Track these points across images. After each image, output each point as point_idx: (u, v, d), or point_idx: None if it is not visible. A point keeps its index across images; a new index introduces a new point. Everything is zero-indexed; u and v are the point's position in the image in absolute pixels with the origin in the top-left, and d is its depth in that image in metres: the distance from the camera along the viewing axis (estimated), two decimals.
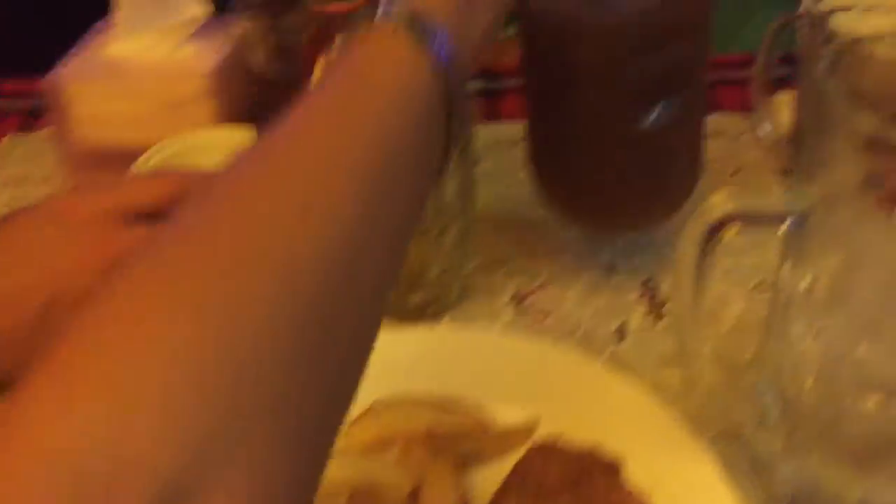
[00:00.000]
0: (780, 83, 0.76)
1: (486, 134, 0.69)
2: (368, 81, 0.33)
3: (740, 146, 0.73)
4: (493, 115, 0.78)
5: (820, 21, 0.61)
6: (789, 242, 0.38)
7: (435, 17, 0.35)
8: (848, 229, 0.36)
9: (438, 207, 0.53)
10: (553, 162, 0.60)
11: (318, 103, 0.32)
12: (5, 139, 0.79)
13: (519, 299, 0.60)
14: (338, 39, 0.38)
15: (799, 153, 0.66)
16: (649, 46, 0.53)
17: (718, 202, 0.37)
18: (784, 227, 0.37)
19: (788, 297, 0.40)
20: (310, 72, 0.59)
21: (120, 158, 0.68)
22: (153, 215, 0.55)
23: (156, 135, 0.67)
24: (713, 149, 0.73)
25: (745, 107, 0.77)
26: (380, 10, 0.35)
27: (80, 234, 0.52)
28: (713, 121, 0.76)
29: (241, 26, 0.66)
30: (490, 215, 0.66)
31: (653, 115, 0.55)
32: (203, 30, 0.72)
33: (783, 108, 0.71)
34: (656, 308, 0.58)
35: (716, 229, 0.37)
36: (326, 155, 0.31)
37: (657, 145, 0.56)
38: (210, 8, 0.72)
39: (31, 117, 0.82)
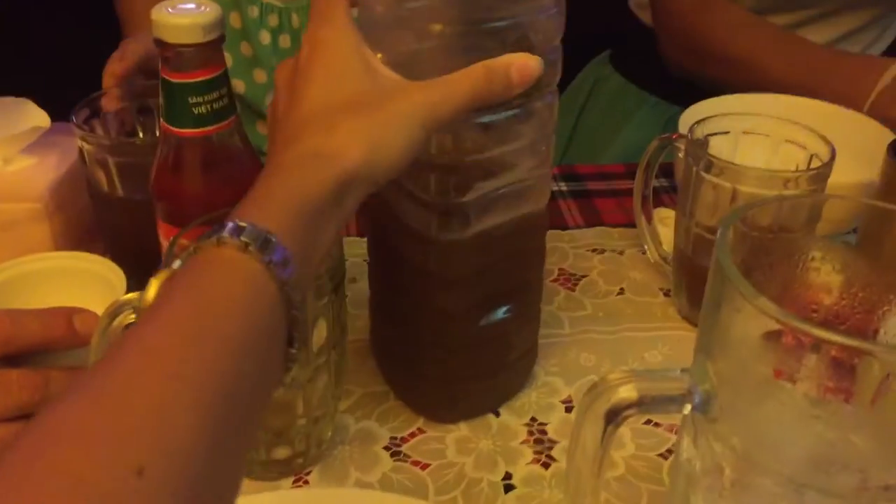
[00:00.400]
0: (658, 192, 0.75)
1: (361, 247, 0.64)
2: (214, 298, 0.33)
3: (624, 263, 0.71)
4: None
5: (698, 146, 0.60)
6: (693, 424, 0.35)
7: (281, 237, 0.35)
8: (749, 414, 0.33)
9: (306, 355, 0.47)
10: (393, 351, 0.57)
11: (163, 319, 0.32)
12: None
13: (395, 447, 0.54)
14: (183, 255, 0.35)
15: (678, 275, 0.65)
16: (497, 259, 0.51)
17: (620, 390, 0.33)
18: (687, 412, 0.34)
19: (690, 473, 0.36)
20: (154, 191, 0.53)
21: None
22: None
23: None
24: (597, 267, 0.71)
25: (627, 220, 0.76)
26: (227, 227, 0.35)
27: None
28: (596, 236, 0.74)
29: (81, 143, 0.59)
30: (362, 345, 0.61)
31: (493, 316, 0.53)
32: (42, 144, 0.65)
33: (665, 225, 0.70)
34: (545, 451, 0.54)
35: (615, 414, 0.33)
36: (168, 375, 0.30)
37: (493, 342, 0.54)
38: (48, 119, 0.65)
39: None
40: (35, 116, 0.65)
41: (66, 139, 0.66)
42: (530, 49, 0.44)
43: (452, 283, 0.50)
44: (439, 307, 0.51)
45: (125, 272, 0.58)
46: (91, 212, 0.64)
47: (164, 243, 0.54)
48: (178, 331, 0.32)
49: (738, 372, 0.33)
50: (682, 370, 0.34)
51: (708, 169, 0.58)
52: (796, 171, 0.59)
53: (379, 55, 0.46)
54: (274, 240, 0.35)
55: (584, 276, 0.70)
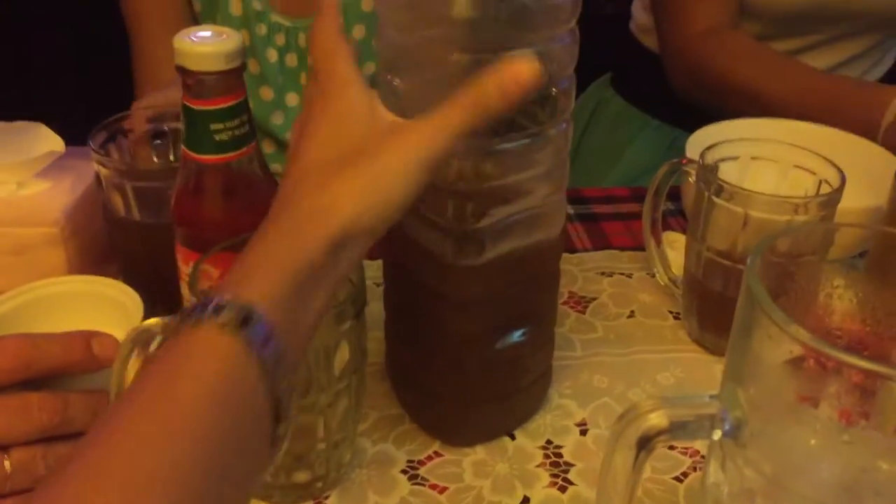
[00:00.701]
0: (665, 216, 0.76)
1: (376, 269, 0.65)
2: (187, 391, 0.33)
3: (633, 286, 0.72)
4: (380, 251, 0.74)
5: (709, 172, 0.60)
6: (722, 450, 0.35)
7: (266, 313, 0.35)
8: (779, 439, 0.33)
9: (327, 380, 0.48)
10: (409, 375, 0.58)
11: (133, 413, 0.33)
12: None
13: (412, 470, 0.54)
14: (162, 336, 0.36)
15: (688, 298, 0.66)
16: (512, 283, 0.51)
17: (651, 417, 0.33)
18: (717, 437, 0.34)
19: (716, 501, 0.37)
20: (175, 216, 0.53)
21: None
22: None
23: (1, 283, 0.59)
24: (607, 290, 0.71)
25: (634, 242, 0.76)
26: (208, 307, 0.34)
27: None
28: (605, 259, 0.75)
29: (98, 167, 0.60)
30: (377, 368, 0.61)
31: (508, 339, 0.53)
32: (57, 168, 0.65)
33: (674, 248, 0.71)
34: (561, 474, 0.54)
35: (646, 441, 0.34)
36: (133, 474, 0.31)
37: (507, 365, 0.54)
38: (62, 144, 0.65)
39: None
40: (49, 140, 0.65)
41: (80, 163, 0.66)
42: (548, 78, 0.45)
43: (467, 307, 0.51)
44: (454, 330, 0.51)
45: (140, 296, 0.59)
46: (105, 236, 0.64)
47: (183, 267, 0.54)
48: (145, 429, 0.32)
49: (768, 397, 0.33)
50: (711, 396, 0.35)
51: (719, 194, 0.59)
52: (806, 196, 0.60)
53: (397, 82, 0.47)
54: (256, 315, 0.35)
55: (594, 299, 0.70)
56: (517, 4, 0.44)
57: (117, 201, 0.60)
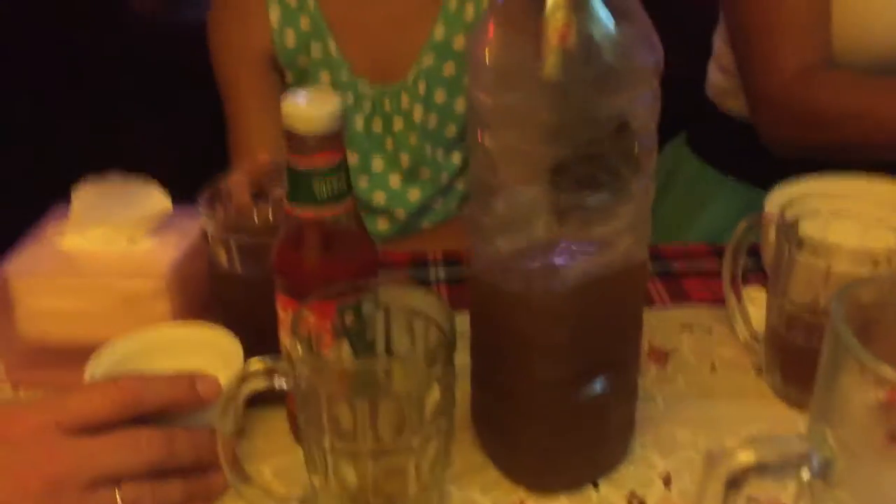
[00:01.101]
0: (747, 272, 0.77)
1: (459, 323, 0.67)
2: None
3: (713, 341, 0.73)
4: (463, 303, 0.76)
5: (790, 227, 0.61)
6: (811, 492, 0.36)
7: None
8: (870, 480, 0.34)
9: (419, 421, 0.50)
10: (493, 422, 0.59)
11: None
12: None
13: None
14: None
15: (770, 353, 0.66)
16: (596, 329, 0.53)
17: (740, 455, 0.35)
18: (805, 477, 0.35)
19: None
20: (276, 267, 0.57)
21: (66, 355, 0.65)
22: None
23: (107, 332, 0.63)
24: (686, 343, 0.72)
25: (713, 297, 0.77)
26: None
27: (19, 451, 0.48)
28: (684, 314, 0.76)
29: (203, 222, 0.64)
30: (463, 418, 0.63)
31: (592, 387, 0.54)
32: (163, 225, 0.70)
33: (754, 304, 0.71)
34: None
35: (735, 479, 0.35)
36: None
37: (592, 413, 0.56)
38: (170, 203, 0.70)
39: None
40: (159, 199, 0.70)
41: (184, 221, 0.71)
42: (629, 134, 0.48)
43: (552, 351, 0.52)
44: (539, 376, 0.53)
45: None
46: (207, 288, 0.68)
47: (283, 315, 0.58)
48: None
49: (857, 438, 0.34)
50: (799, 436, 0.36)
51: (800, 248, 0.60)
52: (889, 249, 0.60)
53: (487, 140, 0.50)
54: None
55: (673, 351, 0.71)
56: (603, 67, 0.47)
57: (221, 256, 0.64)
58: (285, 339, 0.58)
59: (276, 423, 0.63)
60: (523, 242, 0.51)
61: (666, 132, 1.29)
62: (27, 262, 0.67)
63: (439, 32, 0.99)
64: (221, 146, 1.05)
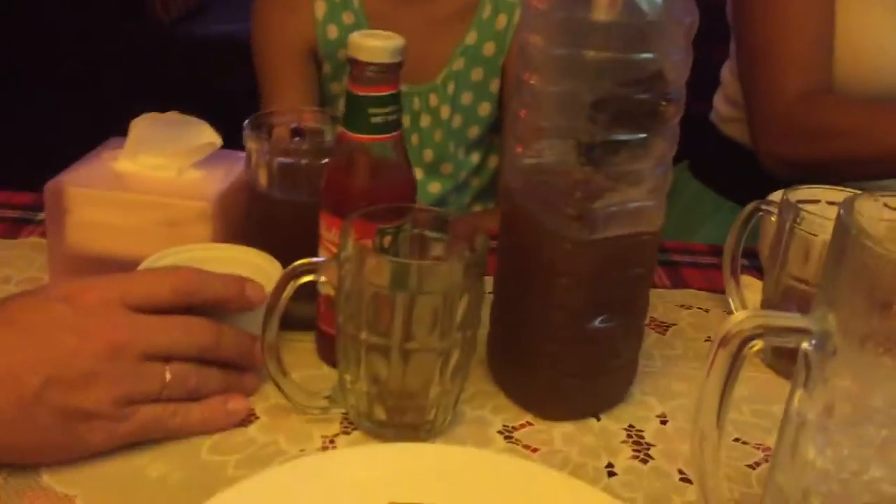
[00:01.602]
0: (743, 270, 0.82)
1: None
2: None
3: (710, 318, 0.78)
4: None
5: (791, 204, 0.67)
6: (806, 365, 0.41)
7: None
8: (863, 355, 0.39)
9: (449, 325, 0.55)
10: (507, 348, 0.64)
11: None
12: None
13: (507, 433, 0.60)
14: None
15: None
16: (615, 266, 0.59)
17: (745, 320, 0.40)
18: (805, 346, 0.40)
19: (801, 422, 0.42)
20: (326, 186, 0.62)
21: (109, 268, 0.69)
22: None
23: (149, 249, 0.67)
24: (685, 319, 0.78)
25: (710, 286, 0.83)
26: None
27: (88, 317, 0.52)
28: (683, 296, 0.81)
29: (251, 144, 0.69)
30: (477, 358, 0.67)
31: (601, 319, 0.59)
32: (210, 159, 0.75)
33: (749, 289, 0.77)
34: (643, 451, 0.60)
35: (742, 346, 0.40)
36: None
37: (601, 344, 0.61)
38: (219, 139, 0.75)
39: (16, 226, 0.82)
40: (209, 135, 0.75)
41: (230, 161, 0.76)
42: (662, 83, 0.54)
43: (577, 282, 0.58)
44: (560, 304, 0.58)
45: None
46: (247, 220, 0.73)
47: (325, 233, 0.63)
48: None
49: (852, 314, 0.39)
50: (802, 315, 0.41)
51: (799, 222, 0.66)
52: None
53: (534, 80, 0.56)
54: None
55: (673, 325, 0.76)
56: (644, 19, 0.53)
57: (262, 178, 0.69)
58: (326, 254, 0.63)
59: (302, 344, 0.67)
60: (559, 179, 0.57)
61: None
62: (82, 176, 0.72)
63: (471, 38, 1.05)
64: None
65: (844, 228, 0.39)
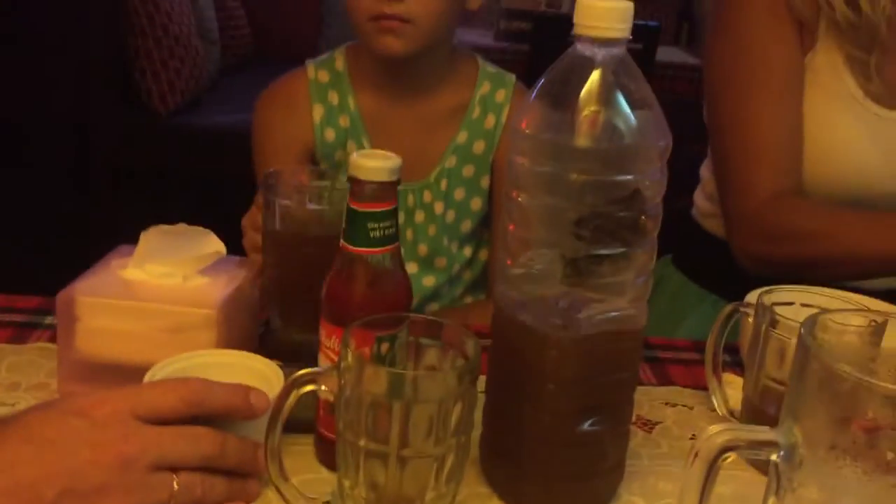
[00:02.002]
0: (725, 366, 0.85)
1: None
2: None
3: (694, 416, 0.81)
4: None
5: (766, 307, 0.71)
6: (776, 475, 0.44)
7: None
8: (827, 465, 0.42)
9: (444, 432, 0.57)
10: (499, 451, 0.67)
11: None
12: None
13: None
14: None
15: (746, 423, 0.74)
16: (600, 370, 0.62)
17: (718, 434, 0.43)
18: (773, 458, 0.43)
19: None
20: (326, 295, 0.65)
21: (117, 375, 0.72)
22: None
23: (156, 356, 0.70)
24: (670, 417, 0.80)
25: (694, 383, 0.86)
26: None
27: (101, 430, 0.55)
28: (668, 393, 0.84)
29: (246, 268, 0.73)
30: (471, 460, 0.70)
31: (590, 422, 0.63)
32: (215, 266, 0.79)
33: (731, 387, 0.80)
34: None
35: (715, 459, 0.43)
36: None
37: (589, 447, 0.64)
38: (223, 248, 0.79)
39: (23, 330, 0.85)
40: (214, 244, 0.79)
41: (233, 266, 0.80)
42: (640, 200, 0.58)
43: (563, 387, 0.61)
44: (550, 408, 0.61)
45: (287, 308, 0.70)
46: (249, 325, 0.76)
47: (325, 340, 0.66)
48: None
49: (815, 428, 0.42)
50: (769, 429, 0.44)
51: (774, 326, 0.70)
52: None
53: (522, 197, 0.60)
54: None
55: (659, 423, 0.79)
56: (622, 144, 0.58)
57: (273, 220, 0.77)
58: (321, 361, 0.66)
59: (302, 447, 0.70)
60: (546, 290, 0.61)
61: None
62: (92, 285, 0.75)
63: (462, 137, 1.11)
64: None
65: (805, 347, 0.43)
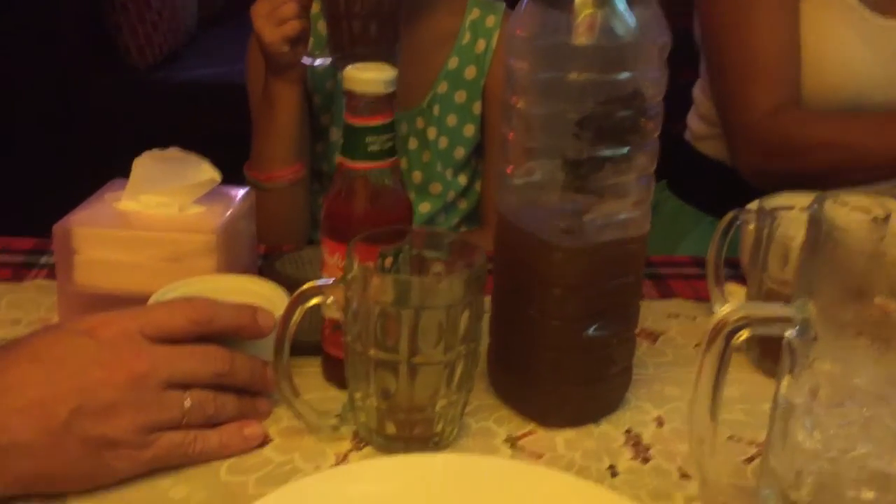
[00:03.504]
0: (726, 279, 0.86)
1: None
2: None
3: (698, 326, 0.81)
4: None
5: (768, 211, 0.71)
6: (791, 352, 0.44)
7: None
8: (841, 339, 0.42)
9: (453, 339, 0.57)
10: (507, 361, 0.67)
11: None
12: None
13: (512, 442, 0.63)
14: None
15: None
16: (605, 276, 0.62)
17: (732, 312, 0.43)
18: (788, 333, 0.43)
19: (789, 407, 0.45)
20: (326, 214, 0.65)
21: (117, 306, 0.71)
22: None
23: (155, 285, 0.70)
24: (674, 328, 0.81)
25: (696, 296, 0.86)
26: None
27: (110, 349, 0.55)
28: (671, 305, 0.85)
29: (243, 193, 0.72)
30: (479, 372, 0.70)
31: (595, 327, 0.63)
32: (208, 195, 0.78)
33: (733, 297, 0.80)
34: (642, 452, 0.62)
35: (731, 335, 0.43)
36: None
37: (597, 351, 0.64)
38: (218, 175, 0.78)
39: (20, 270, 0.84)
40: (208, 171, 0.78)
41: (228, 195, 0.79)
42: (641, 100, 0.58)
43: (569, 292, 0.61)
44: (556, 313, 0.61)
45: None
46: (248, 252, 0.76)
47: (328, 258, 0.65)
48: None
49: (828, 302, 0.42)
50: (784, 304, 0.44)
51: (776, 227, 0.70)
52: None
53: (521, 104, 0.59)
54: None
55: (662, 333, 0.80)
56: (621, 43, 0.57)
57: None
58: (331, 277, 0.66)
59: (308, 369, 0.70)
60: (549, 197, 0.60)
61: None
62: (87, 216, 0.75)
63: (453, 63, 1.09)
64: None
65: (817, 222, 0.43)
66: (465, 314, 0.58)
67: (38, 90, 3.24)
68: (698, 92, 1.24)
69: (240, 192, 0.80)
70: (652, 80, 0.59)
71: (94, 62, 3.27)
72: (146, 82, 3.24)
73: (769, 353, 0.73)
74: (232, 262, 0.75)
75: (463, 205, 1.17)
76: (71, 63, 3.28)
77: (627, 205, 0.61)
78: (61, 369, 0.53)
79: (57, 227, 0.73)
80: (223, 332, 0.60)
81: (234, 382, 0.60)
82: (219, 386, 0.59)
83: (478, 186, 1.18)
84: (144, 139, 0.79)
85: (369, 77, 0.62)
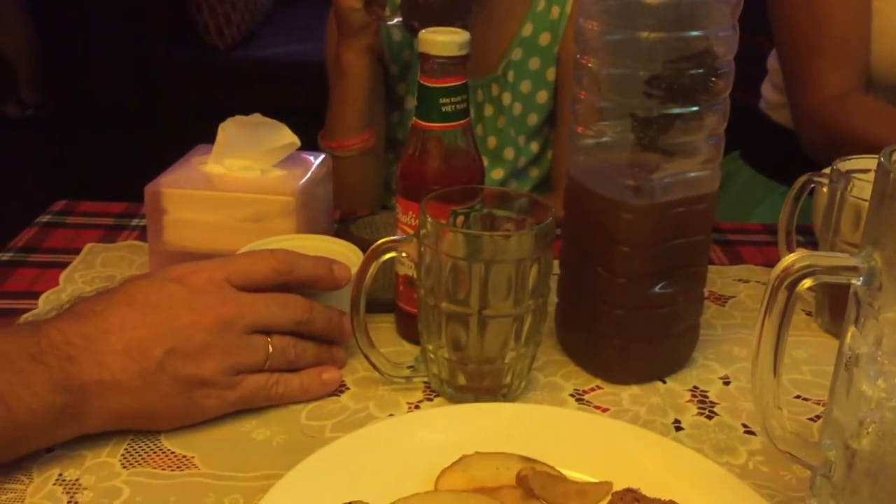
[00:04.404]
0: (798, 245, 0.85)
1: None
2: None
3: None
4: None
5: (842, 172, 0.71)
6: (856, 301, 0.45)
7: None
8: None
9: (522, 293, 0.59)
10: (574, 318, 0.68)
11: None
12: (87, 247, 0.85)
13: (578, 396, 0.65)
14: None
15: (821, 295, 0.74)
16: (673, 234, 0.63)
17: (798, 259, 0.44)
18: (854, 282, 0.44)
19: (854, 357, 0.46)
20: (401, 173, 0.67)
21: None
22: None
23: (238, 244, 0.73)
24: (743, 292, 0.81)
25: (766, 261, 0.86)
26: None
27: (199, 295, 0.58)
28: (740, 271, 0.85)
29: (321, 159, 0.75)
30: (547, 331, 0.72)
31: (662, 285, 0.63)
32: (288, 159, 0.81)
33: None
34: (707, 408, 0.63)
35: (795, 283, 0.44)
36: None
37: (663, 309, 0.64)
38: (297, 139, 0.81)
39: (111, 232, 0.89)
40: (288, 136, 0.81)
41: (307, 161, 0.82)
42: (712, 58, 0.58)
43: (636, 250, 0.62)
44: (623, 271, 0.63)
45: None
46: (325, 214, 0.78)
47: (402, 216, 0.68)
48: None
49: None
50: (849, 254, 0.45)
51: (850, 189, 0.69)
52: None
53: (591, 62, 0.60)
54: None
55: (732, 297, 0.80)
56: (693, 2, 0.57)
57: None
58: (404, 234, 0.68)
59: (383, 325, 0.72)
60: (618, 156, 0.61)
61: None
62: (176, 179, 0.78)
63: (527, 30, 1.11)
64: None
65: (885, 173, 0.43)
66: (534, 269, 0.60)
67: (125, 72, 3.36)
68: (773, 62, 1.23)
69: (318, 158, 0.83)
70: (723, 39, 0.59)
71: (175, 43, 3.37)
72: (226, 61, 3.33)
73: (838, 317, 0.73)
74: (310, 224, 0.78)
75: (534, 172, 1.18)
76: (153, 45, 3.38)
77: (696, 164, 0.62)
78: (155, 313, 0.56)
79: (148, 189, 0.77)
80: (302, 281, 0.63)
81: (312, 330, 0.63)
82: (298, 333, 0.63)
83: (549, 156, 1.19)
84: (226, 117, 0.82)
85: (444, 39, 0.64)
